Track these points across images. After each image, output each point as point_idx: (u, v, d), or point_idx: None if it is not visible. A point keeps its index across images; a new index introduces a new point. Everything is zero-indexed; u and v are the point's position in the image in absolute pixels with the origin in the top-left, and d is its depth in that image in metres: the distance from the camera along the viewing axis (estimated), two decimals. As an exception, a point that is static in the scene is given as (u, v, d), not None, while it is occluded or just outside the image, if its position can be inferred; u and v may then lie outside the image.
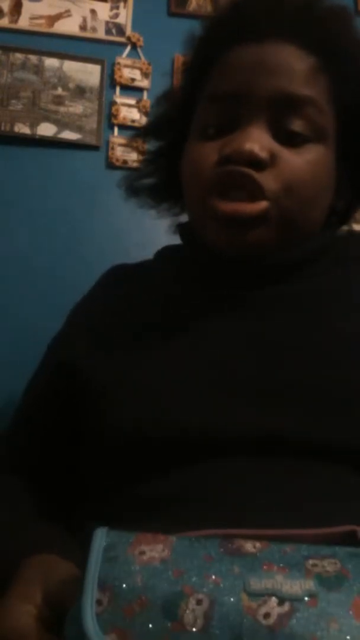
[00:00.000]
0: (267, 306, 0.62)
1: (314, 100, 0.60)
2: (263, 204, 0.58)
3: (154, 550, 0.36)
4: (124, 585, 0.34)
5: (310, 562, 0.35)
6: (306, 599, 0.33)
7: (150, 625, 0.32)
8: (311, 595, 0.33)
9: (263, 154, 0.58)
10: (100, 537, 0.38)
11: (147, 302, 0.66)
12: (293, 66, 0.60)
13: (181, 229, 0.73)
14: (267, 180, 0.58)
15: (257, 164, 0.58)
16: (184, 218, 0.77)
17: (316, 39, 0.62)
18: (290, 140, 0.60)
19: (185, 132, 0.68)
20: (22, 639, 0.39)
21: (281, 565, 0.35)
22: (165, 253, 0.76)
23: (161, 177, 0.76)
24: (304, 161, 0.60)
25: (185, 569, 0.35)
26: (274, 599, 0.33)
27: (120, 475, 0.55)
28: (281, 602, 0.33)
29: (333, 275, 0.66)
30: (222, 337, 0.60)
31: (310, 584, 0.34)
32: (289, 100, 0.60)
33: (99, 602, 0.34)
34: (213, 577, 0.34)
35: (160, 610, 0.33)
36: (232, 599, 0.33)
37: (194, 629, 0.32)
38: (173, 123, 0.73)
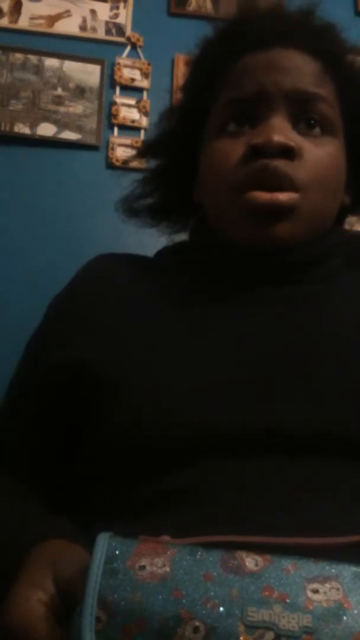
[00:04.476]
0: (281, 303, 0.62)
1: (325, 97, 0.64)
2: (294, 195, 0.60)
3: (154, 564, 0.36)
4: (123, 603, 0.34)
5: (311, 586, 0.34)
6: (303, 636, 0.32)
7: None
8: (308, 632, 0.32)
9: (291, 143, 0.61)
10: (102, 545, 0.38)
11: (152, 296, 0.65)
12: (302, 68, 0.64)
13: (193, 227, 0.74)
14: (297, 171, 0.61)
15: (288, 153, 0.61)
16: (184, 235, 0.78)
17: (318, 45, 0.66)
18: (309, 133, 0.63)
19: (190, 146, 0.71)
20: (31, 625, 0.39)
21: (281, 590, 0.34)
22: (167, 252, 0.76)
23: (161, 196, 0.77)
24: (325, 152, 0.63)
25: (184, 590, 0.35)
26: (270, 633, 0.32)
27: (127, 473, 0.55)
28: (277, 637, 0.32)
29: (347, 274, 0.68)
30: (234, 334, 0.60)
31: (308, 619, 0.33)
32: (304, 97, 0.63)
33: (98, 619, 0.34)
34: (211, 601, 0.34)
35: (157, 634, 0.33)
36: (228, 630, 0.33)
37: None
38: (177, 137, 0.74)
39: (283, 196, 0.60)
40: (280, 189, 0.60)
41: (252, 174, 0.61)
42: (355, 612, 0.33)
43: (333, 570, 0.36)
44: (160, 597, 0.34)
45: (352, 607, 0.33)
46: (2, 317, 1.12)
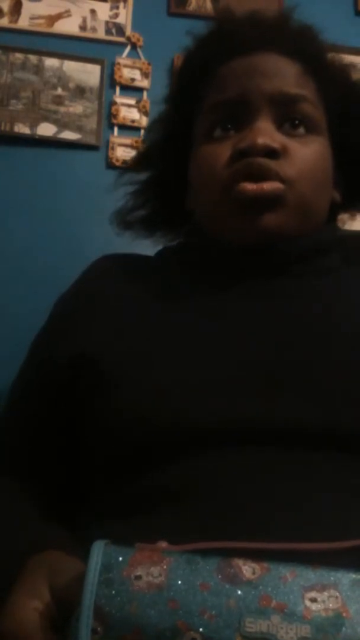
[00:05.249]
0: (279, 296, 0.63)
1: (307, 97, 0.67)
2: (278, 184, 0.62)
3: (150, 574, 0.35)
4: (120, 614, 0.34)
5: (310, 595, 0.34)
6: None
7: None
8: None
9: (276, 144, 0.63)
10: (98, 554, 0.37)
11: (151, 294, 0.66)
12: (283, 70, 0.67)
13: (187, 232, 0.77)
14: (283, 167, 0.63)
15: (272, 154, 0.63)
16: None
17: (298, 48, 0.68)
18: (294, 133, 0.66)
19: (179, 154, 0.73)
20: (27, 634, 0.39)
21: (279, 600, 0.34)
22: (167, 252, 0.76)
23: (154, 207, 0.79)
24: (311, 150, 0.66)
25: (180, 600, 0.34)
26: None
27: (125, 468, 0.55)
28: None
29: (344, 270, 0.69)
30: (233, 327, 0.60)
31: (307, 630, 0.32)
32: (287, 98, 0.65)
33: (94, 631, 0.34)
34: (208, 612, 0.33)
35: None
36: None
37: None
38: (165, 147, 0.76)
39: (268, 185, 0.62)
40: (266, 179, 0.62)
41: (238, 170, 0.63)
42: (354, 621, 0.33)
43: (332, 578, 0.35)
44: (156, 607, 0.34)
45: (351, 616, 0.33)
46: (2, 317, 1.11)
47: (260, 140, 0.62)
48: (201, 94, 0.70)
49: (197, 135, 0.70)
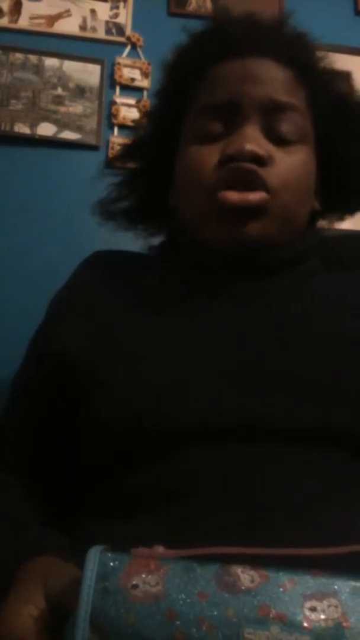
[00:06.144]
0: (261, 298, 0.64)
1: (297, 106, 0.67)
2: (263, 194, 0.62)
3: (146, 582, 0.35)
4: (116, 625, 0.33)
5: (309, 604, 0.34)
6: None
7: None
8: None
9: (263, 152, 0.63)
10: (94, 562, 0.36)
11: (141, 292, 0.66)
12: (275, 77, 0.66)
13: (169, 230, 0.76)
14: (268, 175, 0.63)
15: (259, 161, 0.62)
16: (160, 238, 0.79)
17: (290, 54, 0.68)
18: (280, 141, 0.66)
19: (165, 151, 0.73)
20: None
21: (278, 609, 0.33)
22: (158, 249, 0.77)
23: (137, 200, 0.79)
24: (296, 160, 0.65)
25: (178, 610, 0.34)
26: None
27: (116, 467, 0.55)
28: None
29: (324, 274, 0.69)
30: (217, 329, 0.61)
31: None
32: (276, 106, 0.65)
33: None
34: (207, 622, 0.33)
35: None
36: None
37: None
38: (152, 142, 0.76)
39: (254, 195, 0.62)
40: (252, 188, 0.62)
41: (224, 175, 0.63)
42: (354, 631, 0.32)
43: (331, 586, 0.35)
44: (154, 618, 0.33)
45: (351, 626, 0.33)
46: (1, 317, 1.11)
47: (249, 147, 0.62)
48: (192, 91, 0.70)
49: (185, 134, 0.70)
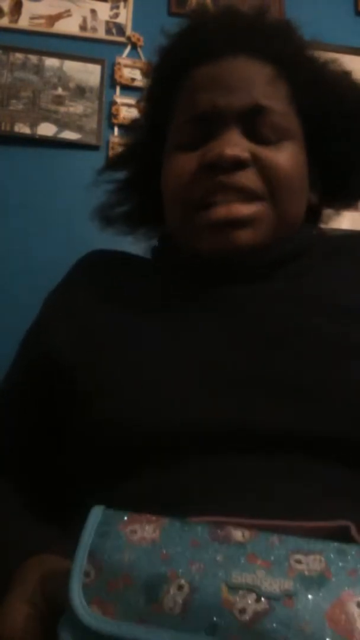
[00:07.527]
0: (250, 303, 0.62)
1: (275, 108, 0.64)
2: (254, 207, 0.61)
3: (144, 530, 0.38)
4: (112, 560, 0.36)
5: (295, 557, 0.36)
6: (284, 598, 0.33)
7: (131, 602, 0.34)
8: (289, 595, 0.33)
9: (244, 155, 0.61)
10: (96, 514, 0.40)
11: (133, 294, 0.66)
12: (253, 78, 0.64)
13: (161, 235, 0.76)
14: (256, 180, 0.61)
15: (240, 164, 0.61)
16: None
17: (270, 49, 0.65)
18: (265, 140, 0.64)
19: (156, 156, 0.71)
20: (20, 639, 0.39)
21: (265, 559, 0.36)
22: (154, 252, 0.77)
23: (134, 204, 0.78)
24: (284, 157, 0.63)
25: (171, 553, 0.36)
26: (252, 595, 0.33)
27: (105, 472, 0.55)
28: (259, 599, 0.33)
29: (316, 272, 0.67)
30: (206, 333, 0.60)
31: (289, 584, 0.34)
32: (256, 110, 0.63)
33: (86, 574, 0.36)
34: (197, 564, 0.35)
35: (142, 590, 0.34)
36: (212, 590, 0.34)
37: (172, 613, 0.33)
38: (143, 148, 0.75)
39: (242, 208, 0.60)
40: (245, 200, 0.60)
41: (209, 191, 0.61)
42: (335, 580, 0.34)
43: (317, 546, 0.37)
44: (148, 557, 0.36)
45: (333, 576, 0.35)
46: (1, 317, 1.12)
47: (229, 151, 0.60)
48: (173, 96, 0.69)
49: (168, 143, 0.69)
